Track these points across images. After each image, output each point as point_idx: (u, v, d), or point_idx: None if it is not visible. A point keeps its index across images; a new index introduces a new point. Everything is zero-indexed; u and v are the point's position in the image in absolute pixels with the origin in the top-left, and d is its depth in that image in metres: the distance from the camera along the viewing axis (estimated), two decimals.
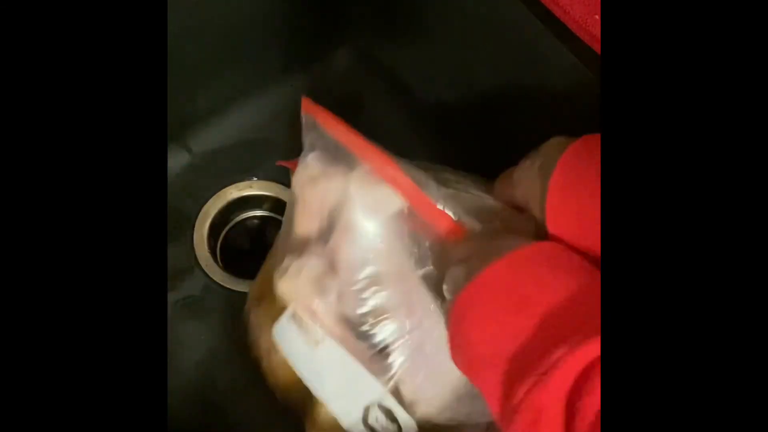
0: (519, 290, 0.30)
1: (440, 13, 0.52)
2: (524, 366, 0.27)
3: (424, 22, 0.55)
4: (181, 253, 0.54)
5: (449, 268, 0.34)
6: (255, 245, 0.60)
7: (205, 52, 0.54)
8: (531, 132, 0.51)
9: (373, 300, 0.37)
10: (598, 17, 0.41)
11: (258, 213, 0.58)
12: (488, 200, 0.40)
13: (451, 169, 0.43)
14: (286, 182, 0.57)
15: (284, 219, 0.44)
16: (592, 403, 0.24)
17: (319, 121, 0.41)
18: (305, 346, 0.39)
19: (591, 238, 0.31)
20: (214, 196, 0.56)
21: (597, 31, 0.41)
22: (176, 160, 0.57)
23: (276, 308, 0.40)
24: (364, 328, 0.38)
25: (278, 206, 0.57)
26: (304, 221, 0.41)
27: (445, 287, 0.34)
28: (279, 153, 0.58)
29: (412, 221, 0.38)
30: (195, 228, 0.55)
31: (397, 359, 0.37)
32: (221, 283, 0.53)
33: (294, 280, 0.39)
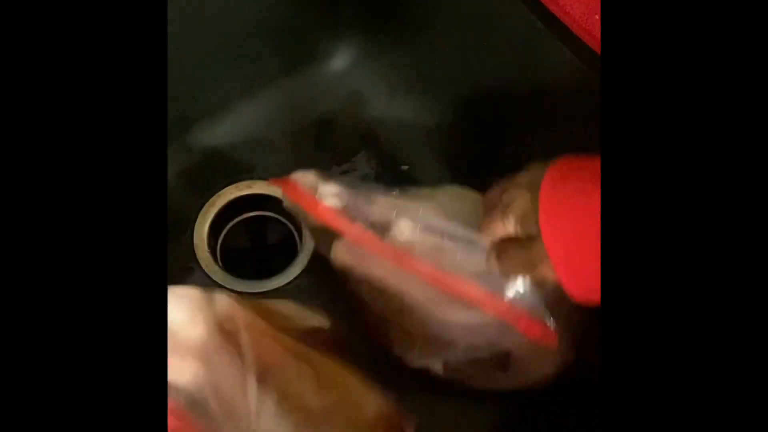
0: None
1: (440, 13, 0.52)
2: None
3: (424, 22, 0.55)
4: (181, 253, 0.54)
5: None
6: (255, 245, 0.60)
7: (205, 52, 0.54)
8: (531, 131, 0.51)
9: None
10: (598, 17, 0.41)
11: (258, 213, 0.58)
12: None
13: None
14: None
15: None
16: None
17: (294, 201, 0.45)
18: None
19: (589, 247, 0.32)
20: (214, 196, 0.56)
21: (597, 31, 0.41)
22: (176, 160, 0.57)
23: None
24: None
25: (278, 206, 0.57)
26: None
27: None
28: (279, 153, 0.58)
29: None
30: (195, 228, 0.55)
31: None
32: (221, 283, 0.53)
33: None
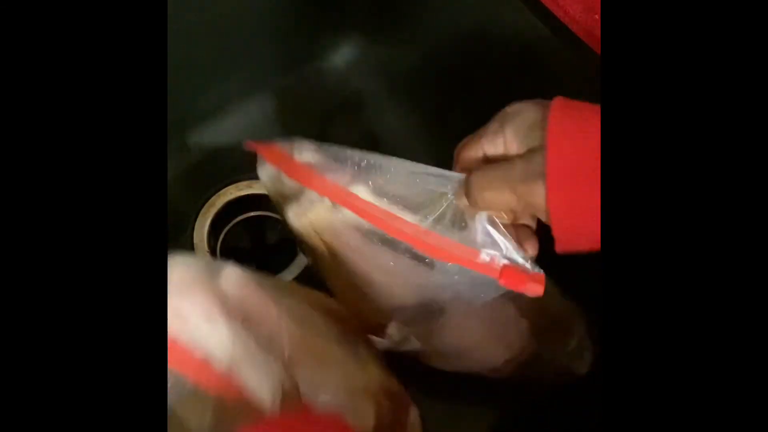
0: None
1: (440, 13, 0.52)
2: None
3: (424, 22, 0.55)
4: (181, 253, 0.54)
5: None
6: (255, 245, 0.60)
7: (205, 52, 0.54)
8: None
9: None
10: (598, 17, 0.41)
11: (258, 213, 0.58)
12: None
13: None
14: None
15: None
16: None
17: (265, 159, 0.42)
18: None
19: (588, 186, 0.30)
20: (214, 196, 0.56)
21: (597, 31, 0.41)
22: (176, 160, 0.57)
23: None
24: None
25: None
26: None
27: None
28: None
29: None
30: (195, 228, 0.55)
31: None
32: None
33: None
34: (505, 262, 0.36)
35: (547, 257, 0.36)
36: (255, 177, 0.57)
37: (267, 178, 0.43)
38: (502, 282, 0.36)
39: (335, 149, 0.40)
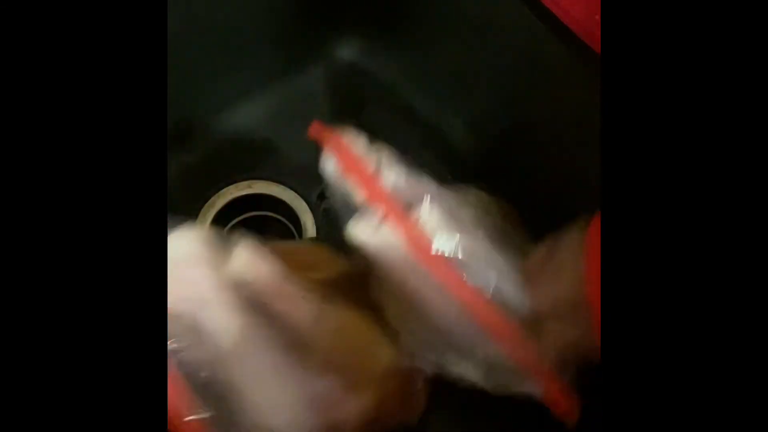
0: None
1: (440, 13, 0.52)
2: None
3: (424, 22, 0.55)
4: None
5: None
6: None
7: (205, 52, 0.54)
8: (530, 130, 0.51)
9: None
10: (598, 17, 0.41)
11: (258, 213, 0.58)
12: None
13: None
14: (286, 182, 0.57)
15: None
16: None
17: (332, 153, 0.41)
18: None
19: None
20: (214, 196, 0.56)
21: (597, 31, 0.41)
22: (176, 160, 0.57)
23: None
24: None
25: (278, 206, 0.57)
26: None
27: None
28: (279, 153, 0.58)
29: None
30: None
31: None
32: None
33: None
34: None
35: None
36: (255, 177, 0.58)
37: (331, 175, 0.42)
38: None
39: (416, 175, 0.40)
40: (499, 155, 0.54)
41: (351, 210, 0.41)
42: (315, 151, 0.59)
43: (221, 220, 0.57)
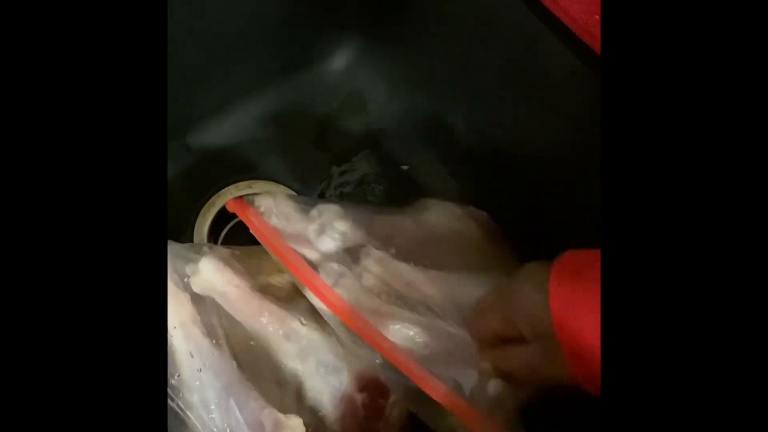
0: None
1: (440, 13, 0.52)
2: None
3: (424, 22, 0.55)
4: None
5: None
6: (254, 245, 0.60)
7: (205, 52, 0.54)
8: (530, 130, 0.51)
9: None
10: (598, 17, 0.41)
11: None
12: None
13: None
14: (286, 182, 0.57)
15: None
16: None
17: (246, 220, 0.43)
18: None
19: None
20: (214, 196, 0.56)
21: (597, 31, 0.41)
22: (176, 160, 0.57)
23: None
24: None
25: None
26: None
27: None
28: (279, 153, 0.58)
29: None
30: (195, 228, 0.55)
31: None
32: None
33: None
34: None
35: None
36: (255, 177, 0.58)
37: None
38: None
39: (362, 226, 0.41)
40: (499, 155, 0.54)
41: None
42: (315, 151, 0.59)
43: (221, 220, 0.57)
